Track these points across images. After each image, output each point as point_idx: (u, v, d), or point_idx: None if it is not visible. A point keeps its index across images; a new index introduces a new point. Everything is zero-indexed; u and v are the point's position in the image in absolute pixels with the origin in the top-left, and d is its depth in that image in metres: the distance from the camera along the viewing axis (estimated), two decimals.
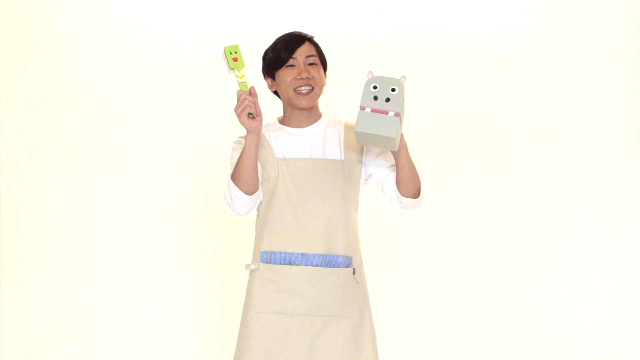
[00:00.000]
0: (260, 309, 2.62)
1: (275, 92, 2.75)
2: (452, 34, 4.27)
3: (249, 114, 2.52)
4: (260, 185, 2.63)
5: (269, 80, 2.72)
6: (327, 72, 2.74)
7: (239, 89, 2.55)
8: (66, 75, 4.33)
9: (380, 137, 2.39)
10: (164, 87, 4.30)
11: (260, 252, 2.66)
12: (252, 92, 2.54)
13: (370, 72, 2.44)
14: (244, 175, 2.56)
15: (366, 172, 2.72)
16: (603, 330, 4.14)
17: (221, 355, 4.10)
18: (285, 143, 2.69)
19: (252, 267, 2.66)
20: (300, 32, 2.71)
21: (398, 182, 2.60)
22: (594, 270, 4.19)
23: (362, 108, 2.39)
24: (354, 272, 2.64)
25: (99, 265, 4.27)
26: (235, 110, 2.52)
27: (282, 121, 2.75)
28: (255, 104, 2.52)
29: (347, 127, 2.72)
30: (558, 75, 4.24)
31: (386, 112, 2.38)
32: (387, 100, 2.39)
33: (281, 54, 2.65)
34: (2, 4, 4.32)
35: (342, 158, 2.67)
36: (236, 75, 2.57)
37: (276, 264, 2.63)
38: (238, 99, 2.52)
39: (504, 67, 4.24)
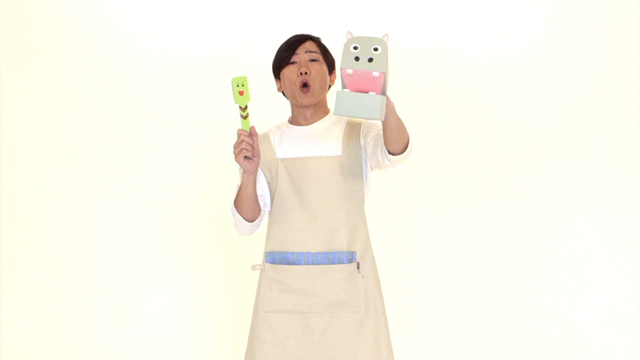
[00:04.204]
0: (268, 308, 2.66)
1: (284, 94, 2.76)
2: (452, 36, 4.27)
3: (246, 156, 2.51)
4: (262, 210, 2.69)
5: (278, 82, 2.75)
6: (334, 71, 2.76)
7: (239, 128, 2.52)
8: (65, 75, 4.33)
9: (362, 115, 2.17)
10: (164, 87, 4.30)
11: (265, 253, 2.71)
12: (252, 132, 2.52)
13: (349, 32, 2.17)
14: (244, 204, 2.64)
15: (369, 163, 2.68)
16: (604, 330, 4.15)
17: (232, 354, 4.11)
18: (289, 142, 2.71)
19: (259, 267, 2.70)
20: (305, 33, 2.74)
21: (387, 142, 2.45)
22: (594, 269, 4.19)
23: (343, 70, 2.12)
24: (358, 267, 2.65)
25: (101, 266, 4.27)
26: (233, 149, 2.53)
27: (291, 121, 2.78)
28: (253, 146, 2.52)
29: (349, 124, 2.73)
30: (558, 76, 4.25)
31: (366, 91, 2.14)
32: (370, 60, 2.11)
33: (283, 52, 2.68)
34: (2, 4, 4.32)
35: (340, 154, 2.67)
36: (240, 111, 2.51)
37: (280, 264, 2.66)
38: (237, 138, 2.52)
39: (505, 68, 4.25)
